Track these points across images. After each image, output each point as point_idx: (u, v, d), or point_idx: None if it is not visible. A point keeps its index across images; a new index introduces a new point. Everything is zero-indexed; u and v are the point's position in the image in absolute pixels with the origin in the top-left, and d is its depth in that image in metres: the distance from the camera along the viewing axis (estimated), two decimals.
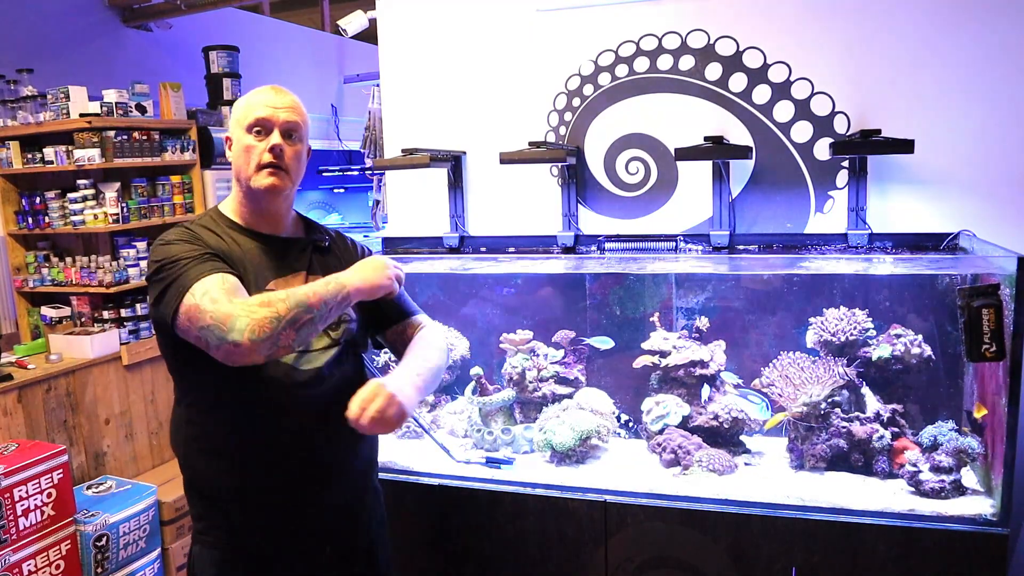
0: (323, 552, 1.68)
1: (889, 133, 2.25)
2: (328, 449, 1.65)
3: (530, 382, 2.59)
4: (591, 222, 2.70)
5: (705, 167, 2.50)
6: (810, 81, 2.40)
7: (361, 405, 1.45)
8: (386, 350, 2.87)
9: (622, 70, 2.58)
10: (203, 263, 1.48)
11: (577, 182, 2.68)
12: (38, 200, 3.78)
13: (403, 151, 2.62)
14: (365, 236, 3.16)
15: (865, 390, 2.28)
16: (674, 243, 2.52)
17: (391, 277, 1.62)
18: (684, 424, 2.40)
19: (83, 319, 3.73)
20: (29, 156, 3.76)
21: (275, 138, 1.59)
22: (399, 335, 1.82)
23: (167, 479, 3.41)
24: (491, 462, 2.42)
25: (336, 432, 1.66)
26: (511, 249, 2.71)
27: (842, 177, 2.42)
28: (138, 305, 3.68)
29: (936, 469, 2.08)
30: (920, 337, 2.26)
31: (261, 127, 1.60)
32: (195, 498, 1.68)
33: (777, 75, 2.43)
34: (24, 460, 2.65)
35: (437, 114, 2.82)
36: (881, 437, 2.18)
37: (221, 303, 1.40)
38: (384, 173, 3.84)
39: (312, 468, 1.64)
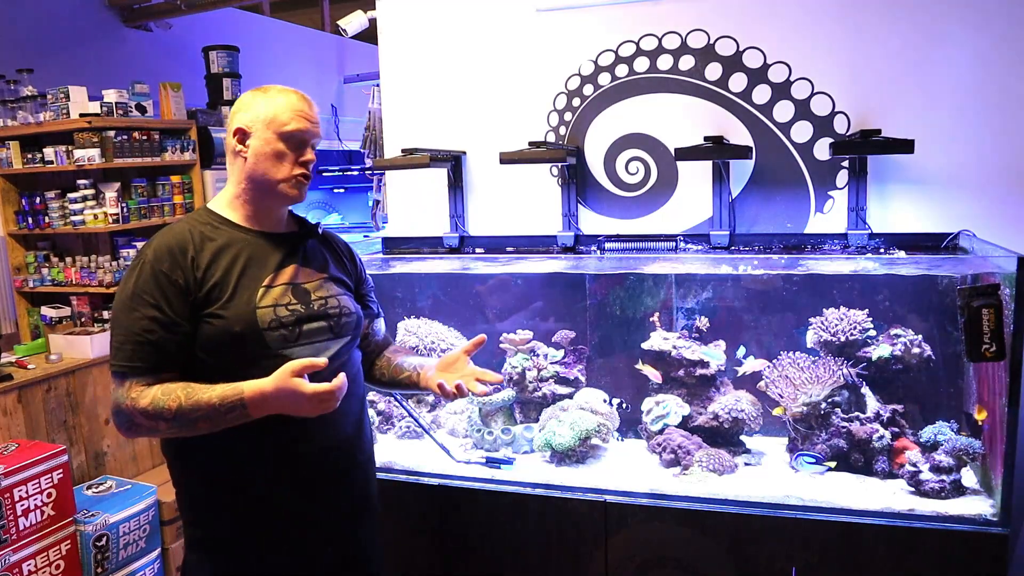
0: (326, 551, 1.66)
1: (889, 133, 2.25)
2: (343, 441, 1.65)
3: (530, 382, 2.59)
4: (591, 222, 2.70)
5: (705, 167, 2.50)
6: (810, 81, 2.40)
7: None
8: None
9: (622, 70, 2.58)
10: (135, 351, 1.49)
11: (577, 182, 2.68)
12: (38, 200, 3.78)
13: (403, 151, 2.63)
14: (365, 236, 3.17)
15: (865, 390, 2.28)
16: (674, 243, 2.52)
17: (307, 410, 1.46)
18: (684, 424, 2.40)
19: (83, 319, 3.73)
20: (29, 156, 3.77)
21: (310, 154, 1.62)
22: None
23: (167, 479, 3.38)
24: (491, 462, 2.42)
25: (349, 423, 1.66)
26: (511, 249, 2.71)
27: (842, 177, 2.42)
28: None
29: (936, 469, 2.08)
30: (920, 337, 2.26)
31: (299, 140, 1.61)
32: (189, 505, 1.65)
33: (777, 75, 2.43)
34: (24, 460, 2.65)
35: (437, 114, 2.82)
36: (881, 437, 2.18)
37: (119, 394, 1.49)
38: (384, 173, 3.84)
39: (328, 462, 1.63)
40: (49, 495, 2.72)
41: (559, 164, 2.66)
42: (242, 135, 1.61)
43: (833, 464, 2.22)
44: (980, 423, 2.12)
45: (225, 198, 1.66)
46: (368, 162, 3.93)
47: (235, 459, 1.58)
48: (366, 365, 1.89)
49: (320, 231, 1.77)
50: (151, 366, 1.48)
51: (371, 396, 2.75)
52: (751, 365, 2.42)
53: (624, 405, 2.55)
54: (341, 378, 1.47)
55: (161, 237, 1.57)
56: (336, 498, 1.67)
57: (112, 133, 3.69)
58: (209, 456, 1.58)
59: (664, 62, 2.53)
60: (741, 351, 2.48)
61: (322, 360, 1.48)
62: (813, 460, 2.22)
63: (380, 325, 1.94)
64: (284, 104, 1.60)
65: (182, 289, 1.51)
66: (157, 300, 1.49)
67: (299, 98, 1.62)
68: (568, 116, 2.67)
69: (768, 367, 2.38)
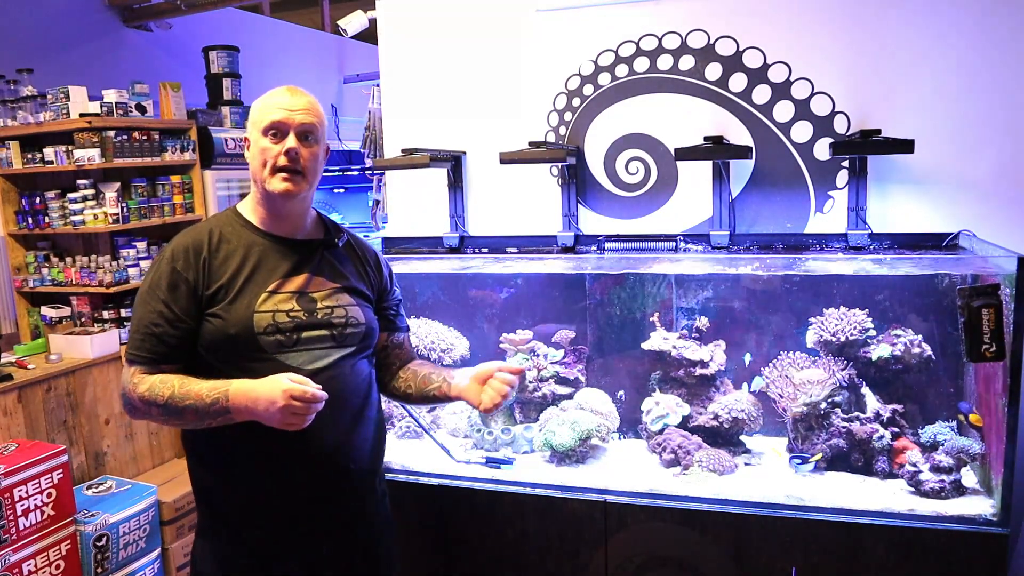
0: (321, 551, 1.68)
1: (889, 133, 2.26)
2: (332, 449, 1.65)
3: (530, 382, 2.59)
4: (591, 222, 2.70)
5: (705, 167, 2.50)
6: (810, 81, 2.40)
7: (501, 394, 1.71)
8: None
9: (622, 70, 2.58)
10: (143, 341, 1.56)
11: (577, 182, 2.68)
12: (38, 200, 3.78)
13: (403, 151, 2.63)
14: (365, 236, 3.17)
15: (865, 390, 2.28)
16: (674, 243, 2.52)
17: (278, 417, 1.47)
18: (684, 424, 2.40)
19: (83, 319, 3.73)
20: (29, 156, 3.76)
21: (290, 141, 1.59)
22: (380, 345, 1.84)
23: (167, 479, 3.41)
24: (491, 462, 2.42)
25: (340, 432, 1.66)
26: (511, 249, 2.71)
27: (842, 177, 2.42)
28: None
29: (936, 469, 2.07)
30: (920, 337, 2.26)
31: (276, 130, 1.59)
32: (200, 494, 1.71)
33: (777, 75, 2.43)
34: (24, 460, 2.65)
35: (437, 114, 2.82)
36: (881, 437, 2.18)
37: (125, 377, 1.59)
38: (384, 173, 3.84)
39: (316, 469, 1.64)
40: (49, 495, 2.72)
41: (559, 164, 2.66)
42: (246, 143, 1.67)
43: (819, 456, 2.22)
44: (977, 427, 2.12)
45: (248, 201, 1.71)
46: (368, 162, 3.93)
47: (237, 453, 1.61)
48: (386, 377, 1.89)
49: (342, 242, 1.77)
50: (153, 356, 1.56)
51: None
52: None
53: (620, 394, 2.54)
54: (320, 394, 1.48)
55: (183, 236, 1.64)
56: (330, 500, 1.67)
57: (112, 133, 3.69)
58: (216, 448, 1.63)
59: (664, 62, 2.53)
60: (748, 358, 2.47)
61: (315, 387, 1.49)
62: (801, 460, 2.23)
63: (404, 338, 1.93)
64: (265, 103, 1.63)
65: (191, 287, 1.57)
66: (166, 296, 1.56)
67: (281, 91, 1.63)
68: (568, 116, 2.67)
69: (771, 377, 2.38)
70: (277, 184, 1.60)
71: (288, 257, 1.66)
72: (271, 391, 1.47)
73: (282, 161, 1.59)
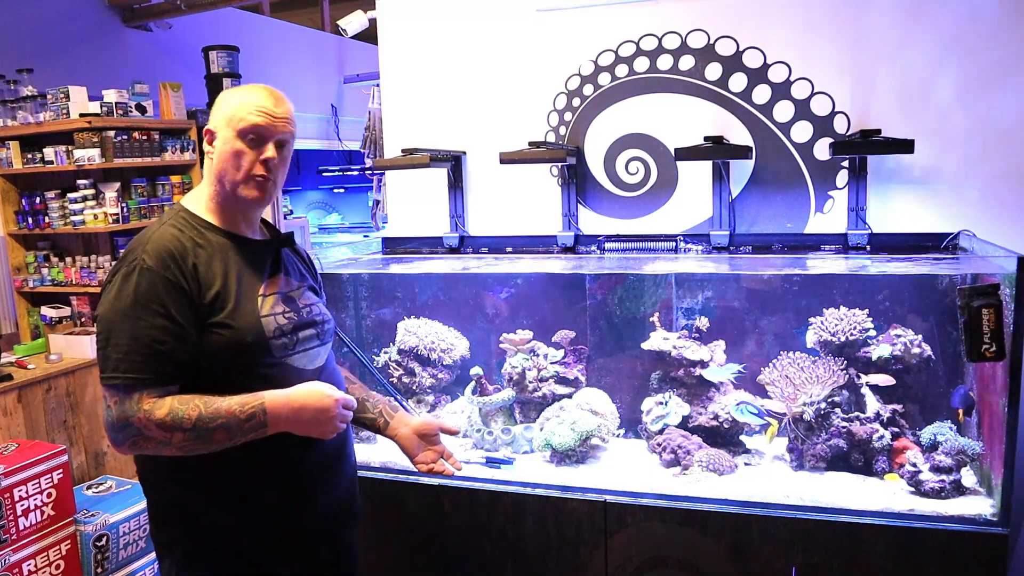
0: (318, 557, 1.64)
1: (889, 133, 2.26)
2: (336, 450, 1.64)
3: (530, 382, 2.59)
4: (591, 222, 2.70)
5: (705, 167, 2.50)
6: (810, 81, 2.40)
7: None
8: (386, 350, 2.89)
9: (622, 70, 2.58)
10: (145, 362, 1.39)
11: (577, 182, 2.68)
12: (38, 200, 3.79)
13: (403, 151, 2.63)
14: (365, 236, 3.17)
15: (865, 390, 2.28)
16: (674, 243, 2.52)
17: (328, 426, 1.48)
18: (684, 424, 2.40)
19: (83, 319, 3.73)
20: (29, 156, 3.77)
21: (270, 151, 1.51)
22: None
23: None
24: (491, 462, 2.42)
25: (342, 432, 1.66)
26: (511, 249, 2.71)
27: (842, 177, 2.42)
28: None
29: (936, 469, 2.07)
30: (920, 337, 2.26)
31: (256, 135, 1.50)
32: (175, 522, 1.55)
33: (777, 75, 2.43)
34: (24, 460, 2.65)
35: (437, 114, 2.82)
36: (881, 437, 2.18)
37: (128, 406, 1.38)
38: (384, 173, 3.84)
39: (306, 474, 1.60)
40: (49, 495, 2.72)
41: (559, 164, 2.66)
42: (210, 136, 1.54)
43: (772, 425, 2.23)
44: (964, 420, 2.13)
45: (201, 200, 1.57)
46: (368, 162, 3.94)
47: (241, 469, 1.50)
48: None
49: (291, 239, 1.72)
50: (162, 377, 1.40)
51: None
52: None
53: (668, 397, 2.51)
54: (352, 401, 1.52)
55: (155, 243, 1.46)
56: (324, 502, 1.64)
57: (112, 133, 3.69)
58: (204, 466, 1.47)
59: (664, 62, 2.53)
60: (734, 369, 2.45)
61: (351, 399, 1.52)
62: (756, 412, 2.25)
63: None
64: (245, 101, 1.51)
65: (188, 296, 1.44)
66: (167, 308, 1.40)
67: (264, 95, 1.52)
68: (568, 116, 2.67)
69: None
70: (250, 192, 1.52)
71: (259, 259, 1.58)
72: (320, 399, 1.46)
73: (259, 170, 1.51)
